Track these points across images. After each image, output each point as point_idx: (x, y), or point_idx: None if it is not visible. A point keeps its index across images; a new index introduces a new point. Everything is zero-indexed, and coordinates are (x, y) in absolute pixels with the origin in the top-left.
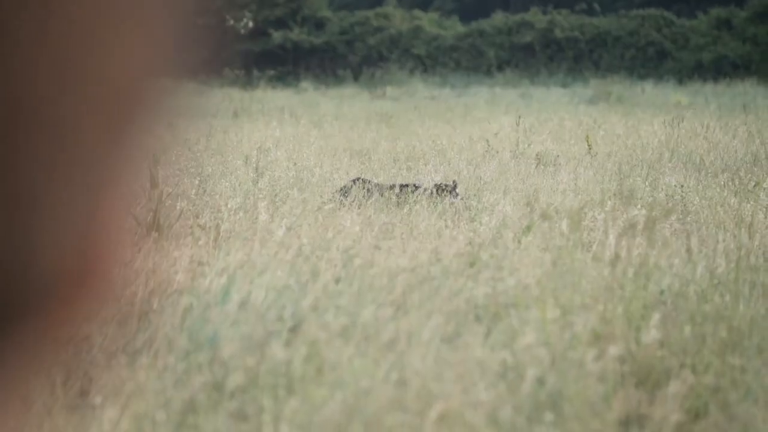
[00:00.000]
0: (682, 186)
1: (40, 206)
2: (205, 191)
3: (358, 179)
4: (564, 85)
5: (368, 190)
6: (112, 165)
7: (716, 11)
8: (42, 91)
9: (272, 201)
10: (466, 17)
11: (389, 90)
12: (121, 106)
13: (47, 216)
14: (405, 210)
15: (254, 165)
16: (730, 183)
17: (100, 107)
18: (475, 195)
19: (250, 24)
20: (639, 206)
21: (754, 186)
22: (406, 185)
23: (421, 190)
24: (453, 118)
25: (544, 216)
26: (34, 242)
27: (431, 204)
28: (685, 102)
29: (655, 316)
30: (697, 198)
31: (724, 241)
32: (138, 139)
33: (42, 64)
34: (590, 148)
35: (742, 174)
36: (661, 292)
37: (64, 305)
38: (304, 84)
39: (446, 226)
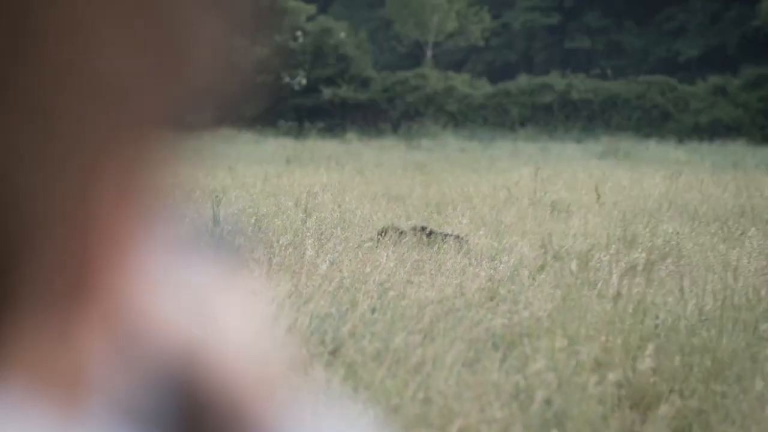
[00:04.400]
0: (677, 233)
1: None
2: (260, 229)
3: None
4: (578, 141)
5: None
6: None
7: (713, 79)
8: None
9: (318, 238)
10: (494, 78)
11: (424, 142)
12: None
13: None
14: (434, 249)
15: (303, 206)
16: (720, 231)
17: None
18: (496, 237)
19: (304, 81)
20: (640, 250)
21: (740, 234)
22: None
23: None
24: (479, 168)
25: (557, 257)
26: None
27: (458, 245)
28: (683, 159)
29: (650, 347)
30: (690, 244)
31: (712, 282)
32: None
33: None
34: (599, 198)
35: (730, 224)
36: (656, 326)
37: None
38: (350, 135)
39: (470, 264)
